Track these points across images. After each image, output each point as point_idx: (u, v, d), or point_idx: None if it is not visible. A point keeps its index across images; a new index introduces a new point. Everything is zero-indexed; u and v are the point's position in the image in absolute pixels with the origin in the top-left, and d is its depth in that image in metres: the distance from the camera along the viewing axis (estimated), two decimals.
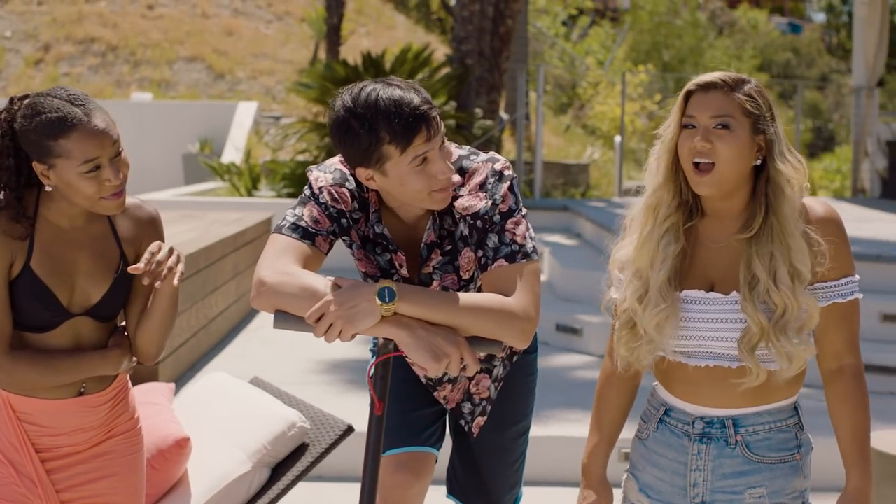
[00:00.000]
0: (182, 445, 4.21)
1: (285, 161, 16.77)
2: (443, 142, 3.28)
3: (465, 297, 3.18)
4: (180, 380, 7.91)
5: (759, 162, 3.16)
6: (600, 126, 30.05)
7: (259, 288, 3.22)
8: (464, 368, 3.17)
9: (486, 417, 3.92)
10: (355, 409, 6.01)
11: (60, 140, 3.27)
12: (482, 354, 3.64)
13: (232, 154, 21.14)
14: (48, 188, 3.40)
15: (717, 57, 39.04)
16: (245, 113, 23.35)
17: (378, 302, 3.07)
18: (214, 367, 8.43)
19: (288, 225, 3.36)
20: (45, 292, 3.41)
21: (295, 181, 15.54)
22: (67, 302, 3.45)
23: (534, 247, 3.35)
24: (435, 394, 3.90)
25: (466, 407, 3.91)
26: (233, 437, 4.35)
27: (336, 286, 3.13)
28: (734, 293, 3.14)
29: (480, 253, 3.35)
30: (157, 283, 3.45)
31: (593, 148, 28.09)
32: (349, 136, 3.23)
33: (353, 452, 5.90)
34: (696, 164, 3.12)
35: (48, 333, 3.46)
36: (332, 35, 23.34)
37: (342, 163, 3.48)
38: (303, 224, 3.36)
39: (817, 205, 3.19)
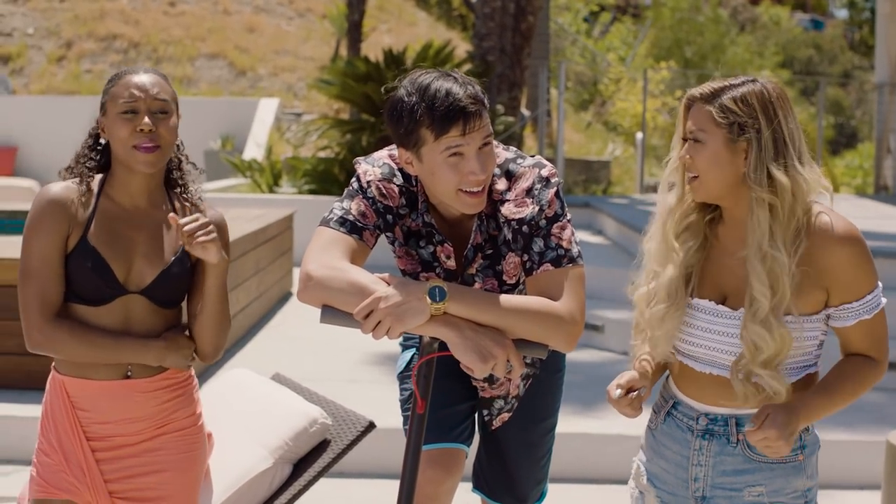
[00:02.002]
0: None
1: (307, 158, 16.78)
2: (486, 144, 3.28)
3: (513, 300, 3.20)
4: (202, 376, 7.93)
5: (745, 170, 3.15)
6: (622, 122, 29.98)
7: (306, 282, 3.24)
8: (509, 371, 3.18)
9: (511, 414, 3.92)
10: (377, 405, 6.02)
11: (112, 88, 3.58)
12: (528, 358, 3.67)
13: (253, 151, 21.16)
14: (102, 140, 3.66)
15: (739, 53, 38.92)
16: (266, 110, 23.36)
17: (428, 301, 3.09)
18: (236, 364, 8.45)
19: (336, 218, 3.38)
20: (102, 264, 3.50)
21: (316, 178, 15.55)
22: (124, 278, 3.54)
23: (579, 251, 3.38)
24: (474, 381, 3.91)
25: (497, 402, 3.92)
26: (254, 433, 4.36)
27: (385, 283, 3.14)
28: (742, 309, 3.15)
29: (526, 257, 3.37)
30: (192, 250, 3.52)
31: (615, 144, 28.03)
32: (395, 114, 3.30)
33: (374, 448, 5.92)
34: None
35: (100, 308, 3.53)
36: (354, 32, 23.31)
37: (390, 157, 3.51)
38: (350, 218, 3.38)
39: (839, 222, 3.12)
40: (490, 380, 3.88)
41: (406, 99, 3.27)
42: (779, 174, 3.07)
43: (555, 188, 3.40)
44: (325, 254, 3.28)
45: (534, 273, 3.33)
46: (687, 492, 3.28)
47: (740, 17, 45.91)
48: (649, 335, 3.27)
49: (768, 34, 44.77)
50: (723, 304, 3.20)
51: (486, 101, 3.31)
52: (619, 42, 37.97)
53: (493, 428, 3.96)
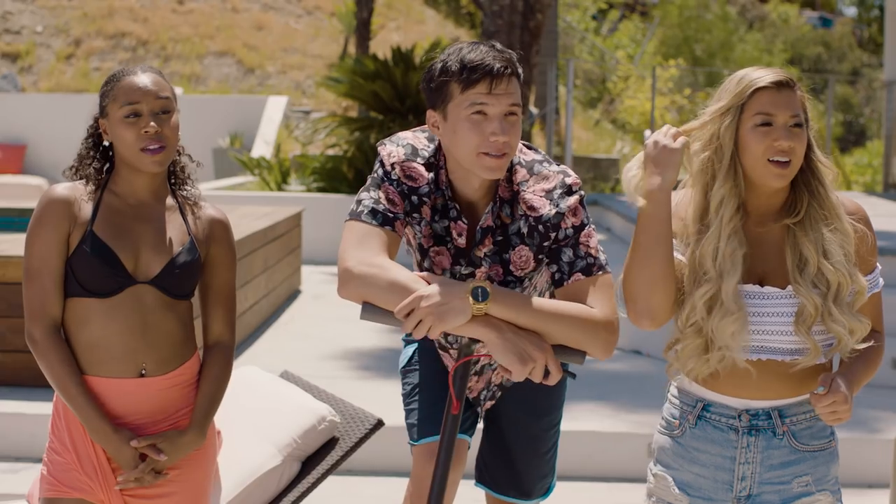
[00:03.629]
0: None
1: (315, 155, 16.77)
2: (512, 114, 3.30)
3: (555, 305, 3.21)
4: None
5: None
6: (630, 121, 29.96)
7: (347, 279, 3.25)
8: (546, 376, 3.18)
9: (493, 402, 3.93)
10: (385, 403, 6.02)
11: (113, 88, 3.56)
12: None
13: (262, 148, 21.16)
14: (106, 142, 3.64)
15: (748, 51, 38.87)
16: (275, 107, 23.36)
17: (471, 301, 3.09)
18: (245, 361, 8.45)
19: (366, 211, 3.38)
20: (108, 251, 3.52)
21: (325, 175, 15.54)
22: (132, 269, 3.56)
23: (605, 258, 3.38)
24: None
25: (483, 393, 3.92)
26: (263, 430, 4.36)
27: (425, 282, 3.15)
28: (790, 287, 3.17)
29: (555, 268, 3.37)
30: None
31: (623, 142, 28.01)
32: (429, 73, 3.34)
33: (383, 446, 5.92)
34: (774, 161, 3.16)
35: (113, 301, 3.54)
36: (362, 29, 23.32)
37: (414, 136, 3.53)
38: (380, 209, 3.38)
39: (846, 200, 3.28)
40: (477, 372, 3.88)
41: (442, 59, 3.33)
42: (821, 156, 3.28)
43: (577, 196, 3.41)
44: (363, 249, 3.28)
45: (564, 284, 3.34)
46: (728, 494, 3.25)
47: (749, 15, 45.86)
48: (720, 347, 3.18)
49: (777, 32, 44.71)
50: (764, 285, 3.21)
51: (519, 71, 3.34)
52: (627, 40, 37.94)
53: (481, 415, 3.96)
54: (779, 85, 3.19)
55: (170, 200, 3.70)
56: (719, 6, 41.45)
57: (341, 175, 15.27)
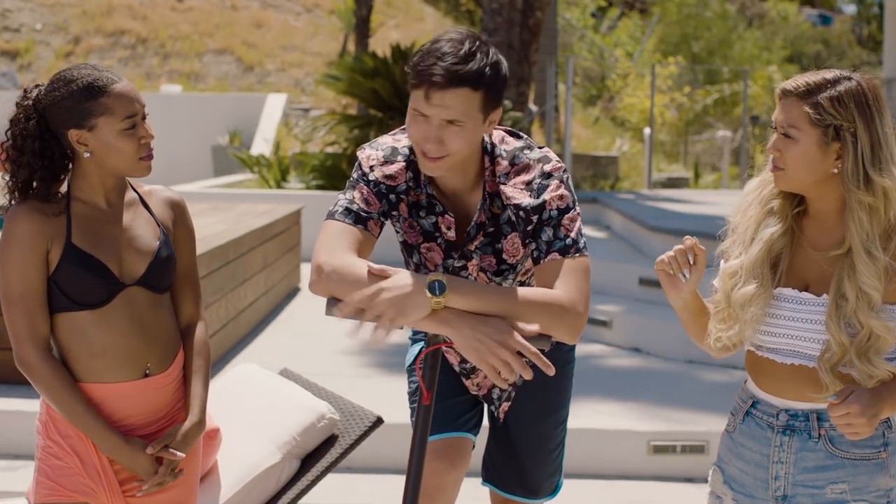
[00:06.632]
0: (212, 437, 4.21)
1: (314, 153, 16.78)
2: (454, 122, 3.22)
3: (517, 291, 3.19)
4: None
5: (836, 171, 3.08)
6: (629, 118, 29.99)
7: (318, 274, 3.27)
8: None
9: (510, 403, 3.93)
10: (385, 400, 6.02)
11: (101, 99, 3.41)
12: None
13: (261, 146, 21.18)
14: (86, 154, 3.47)
15: (747, 49, 38.91)
16: (274, 105, 23.39)
17: (428, 294, 3.08)
18: (244, 359, 8.45)
19: (341, 210, 3.40)
20: (96, 263, 3.47)
21: (324, 173, 15.55)
22: (118, 273, 3.51)
23: (585, 243, 3.37)
24: (467, 382, 3.90)
25: (495, 392, 3.92)
26: (262, 428, 4.35)
27: (386, 275, 3.15)
28: (825, 296, 3.11)
29: (533, 246, 3.37)
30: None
31: (622, 140, 28.03)
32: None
33: (382, 444, 5.92)
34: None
35: (107, 310, 3.49)
36: (361, 27, 23.35)
37: (393, 139, 3.53)
38: (354, 208, 3.39)
39: None
40: (473, 369, 3.87)
41: (420, 46, 3.30)
42: (878, 178, 3.04)
43: (556, 181, 3.38)
44: (335, 246, 3.30)
45: (541, 262, 3.33)
46: (767, 493, 3.21)
47: (748, 13, 45.91)
48: (739, 316, 3.17)
49: (776, 29, 44.76)
50: (805, 291, 3.15)
51: (479, 82, 3.21)
52: (626, 37, 37.98)
53: (501, 420, 3.95)
54: (784, 93, 3.11)
55: (129, 195, 3.63)
56: (718, 4, 41.47)
57: (340, 172, 15.27)
